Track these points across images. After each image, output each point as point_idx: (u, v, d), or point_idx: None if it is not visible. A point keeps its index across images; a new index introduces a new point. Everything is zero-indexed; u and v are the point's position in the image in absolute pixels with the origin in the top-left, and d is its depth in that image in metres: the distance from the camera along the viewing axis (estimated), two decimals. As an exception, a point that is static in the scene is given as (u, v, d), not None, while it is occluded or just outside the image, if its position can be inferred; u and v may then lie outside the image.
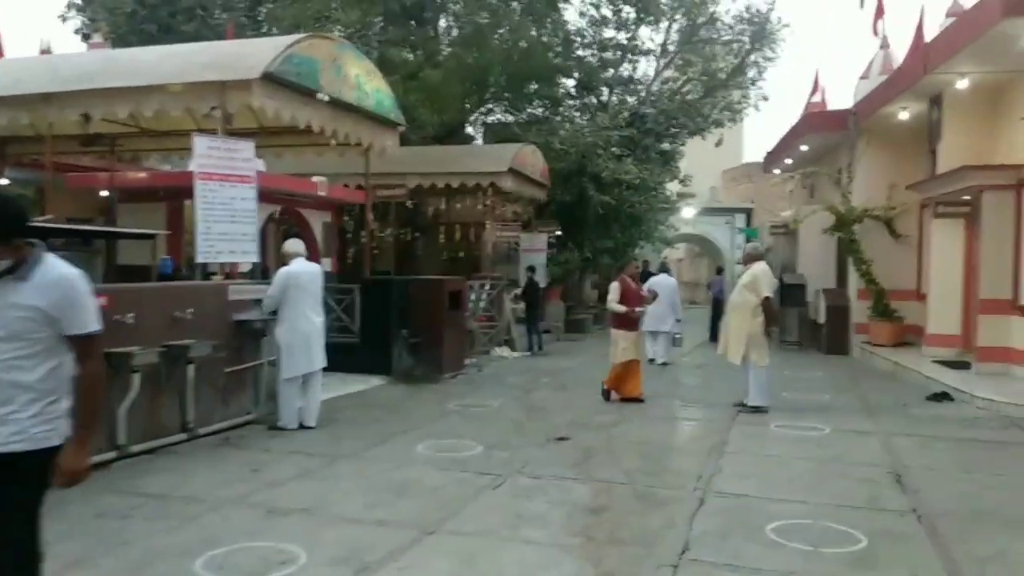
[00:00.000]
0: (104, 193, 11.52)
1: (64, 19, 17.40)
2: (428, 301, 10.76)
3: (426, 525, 4.71)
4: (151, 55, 8.75)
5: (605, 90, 22.92)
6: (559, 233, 17.86)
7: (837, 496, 5.46)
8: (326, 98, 8.57)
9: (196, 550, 4.25)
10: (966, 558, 4.28)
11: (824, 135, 16.22)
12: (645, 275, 15.22)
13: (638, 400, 8.85)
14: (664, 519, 4.93)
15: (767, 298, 8.40)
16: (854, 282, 14.89)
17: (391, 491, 5.43)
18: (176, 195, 10.63)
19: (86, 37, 17.08)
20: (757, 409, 8.41)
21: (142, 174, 12.19)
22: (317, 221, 12.32)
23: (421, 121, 15.41)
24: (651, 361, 11.97)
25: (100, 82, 7.99)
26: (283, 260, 7.60)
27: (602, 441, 7.10)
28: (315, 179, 11.72)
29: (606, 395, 9.04)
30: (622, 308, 8.94)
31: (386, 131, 10.30)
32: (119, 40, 15.75)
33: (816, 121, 16.43)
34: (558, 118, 20.26)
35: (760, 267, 8.59)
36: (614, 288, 9.07)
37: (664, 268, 14.20)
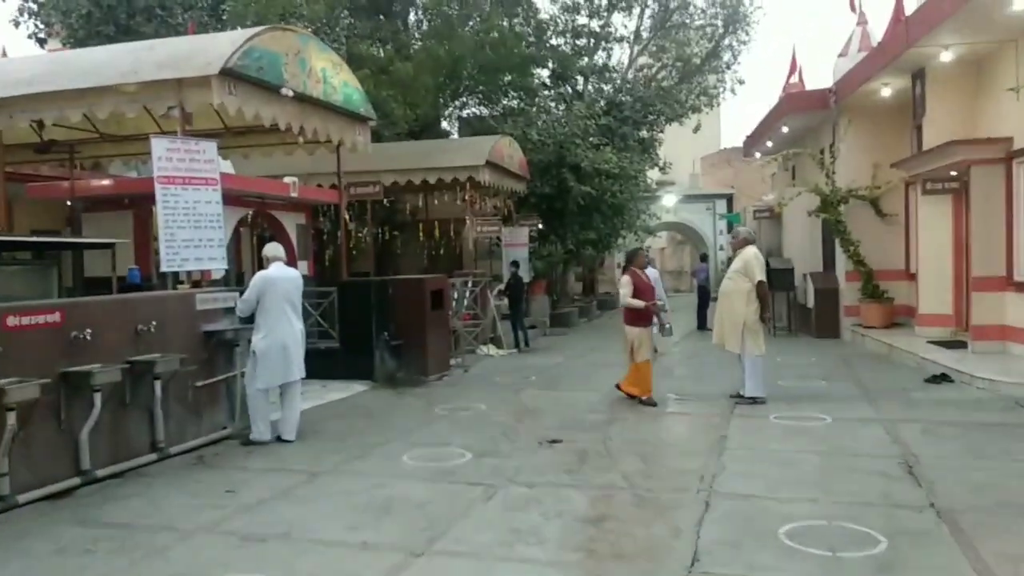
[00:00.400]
0: (68, 203, 11.03)
1: (17, 24, 16.75)
2: (409, 301, 10.39)
3: (414, 546, 4.36)
4: (103, 55, 8.28)
5: (580, 79, 22.61)
6: (540, 226, 17.51)
7: (848, 492, 5.17)
8: (290, 93, 8.15)
9: (162, 589, 3.89)
10: (996, 558, 3.98)
11: (804, 116, 15.98)
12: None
13: (633, 397, 8.45)
14: (669, 527, 4.61)
15: (761, 282, 8.09)
16: (842, 264, 14.67)
17: (375, 509, 5.06)
18: (142, 202, 10.17)
19: (41, 42, 16.49)
20: (755, 400, 8.12)
21: (106, 181, 11.68)
22: (291, 223, 11.87)
23: (394, 116, 14.98)
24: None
25: (49, 85, 7.52)
26: (263, 264, 7.24)
27: (597, 442, 6.76)
28: (286, 180, 11.28)
29: (650, 403, 8.25)
30: (640, 303, 8.26)
31: (356, 126, 9.89)
32: (77, 44, 15.16)
33: (796, 102, 16.19)
34: (534, 109, 19.90)
35: (751, 251, 8.29)
36: (626, 282, 8.39)
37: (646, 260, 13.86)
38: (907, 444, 6.39)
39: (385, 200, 14.72)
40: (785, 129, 17.09)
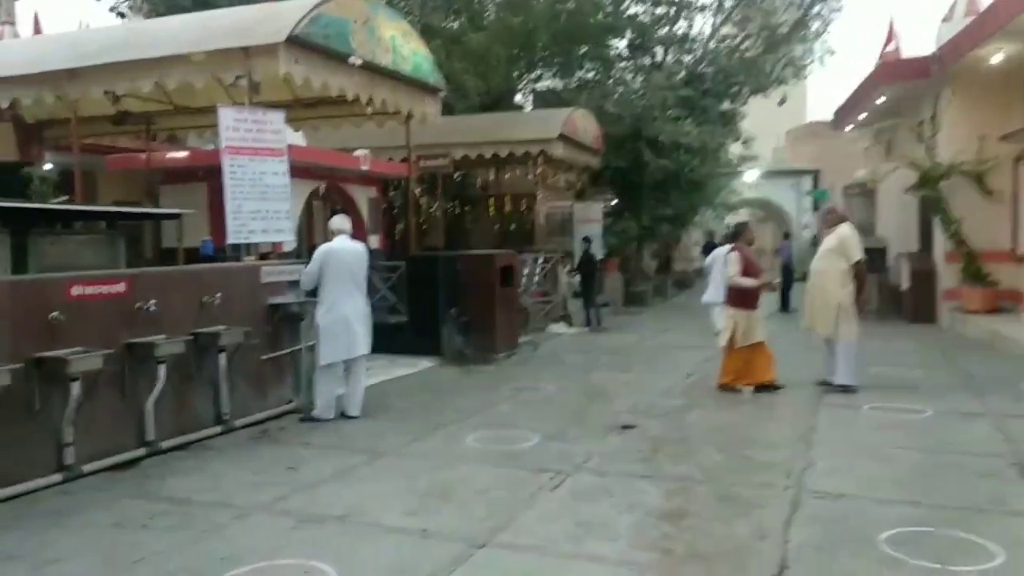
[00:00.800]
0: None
1: (98, -2, 17.11)
2: (479, 277, 10.14)
3: (475, 537, 4.09)
4: (173, 24, 8.26)
5: (659, 49, 21.76)
6: (615, 202, 16.99)
7: (955, 495, 4.65)
8: (359, 62, 7.94)
9: (213, 571, 3.73)
10: None
11: (902, 86, 14.85)
12: (708, 246, 14.39)
13: (773, 387, 7.71)
14: (753, 527, 4.20)
15: (859, 262, 7.47)
16: (941, 244, 13.68)
17: (437, 494, 4.82)
18: (215, 173, 10.21)
19: (122, 16, 16.80)
20: (845, 388, 7.54)
21: (181, 154, 11.81)
22: (362, 197, 11.76)
23: (466, 89, 14.67)
24: (717, 334, 11.08)
25: (120, 55, 7.53)
26: (329, 237, 7.09)
27: (672, 430, 6.37)
28: (357, 153, 11.14)
29: (731, 390, 7.74)
30: (752, 282, 7.69)
31: (426, 97, 9.64)
32: (157, 17, 15.36)
33: (893, 70, 15.07)
34: (610, 81, 19.26)
35: (847, 228, 7.66)
36: (734, 259, 7.76)
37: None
38: (1019, 442, 5.77)
39: (456, 174, 14.48)
40: (880, 100, 15.99)
